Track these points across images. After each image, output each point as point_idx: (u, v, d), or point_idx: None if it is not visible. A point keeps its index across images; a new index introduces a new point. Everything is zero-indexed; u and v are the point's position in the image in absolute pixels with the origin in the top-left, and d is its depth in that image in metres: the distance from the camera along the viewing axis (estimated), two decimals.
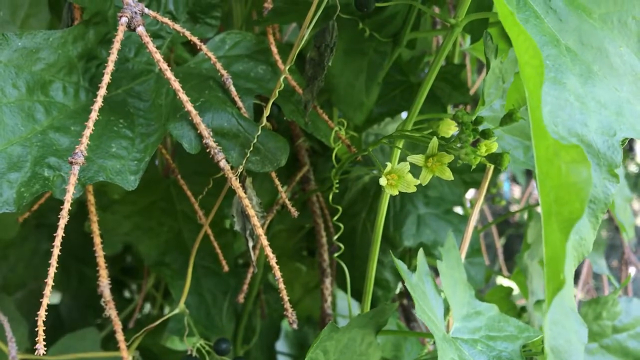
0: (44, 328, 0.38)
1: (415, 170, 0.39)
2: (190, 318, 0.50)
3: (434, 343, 0.65)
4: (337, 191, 0.50)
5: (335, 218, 0.51)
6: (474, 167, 0.32)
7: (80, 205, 1.18)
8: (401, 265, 0.40)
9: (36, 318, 0.38)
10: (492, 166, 0.56)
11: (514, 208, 2.56)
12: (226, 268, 0.57)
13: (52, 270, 0.37)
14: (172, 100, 0.47)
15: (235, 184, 0.44)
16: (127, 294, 1.19)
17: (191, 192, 0.73)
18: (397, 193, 0.39)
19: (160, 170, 0.74)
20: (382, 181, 0.35)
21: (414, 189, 0.36)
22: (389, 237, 0.64)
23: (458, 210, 0.69)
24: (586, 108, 0.32)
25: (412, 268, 0.65)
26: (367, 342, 0.46)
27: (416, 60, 0.69)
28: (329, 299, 0.59)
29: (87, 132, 0.39)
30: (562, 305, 0.27)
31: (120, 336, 0.52)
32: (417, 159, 0.34)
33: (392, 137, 0.38)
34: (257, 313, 0.79)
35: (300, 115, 0.50)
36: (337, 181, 0.50)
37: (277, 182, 0.49)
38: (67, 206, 0.38)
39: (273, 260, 0.46)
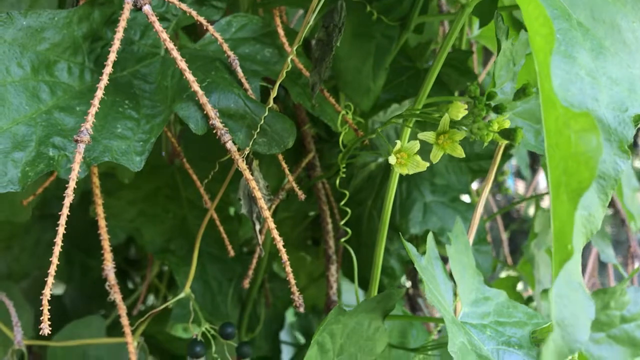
0: (49, 316, 0.37)
1: (424, 155, 0.38)
2: (195, 303, 0.50)
3: (439, 331, 0.64)
4: (344, 176, 0.49)
5: (342, 203, 0.51)
6: (486, 143, 0.31)
7: (83, 195, 1.18)
8: (411, 248, 0.39)
9: (41, 307, 0.37)
10: (500, 152, 0.55)
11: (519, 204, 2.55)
12: (232, 253, 0.57)
13: (57, 249, 0.37)
14: (178, 82, 0.46)
15: (242, 165, 0.43)
16: (130, 285, 1.19)
17: (198, 177, 0.72)
18: (406, 173, 0.38)
19: (165, 156, 0.74)
20: (392, 159, 0.34)
21: (424, 168, 0.35)
22: (395, 225, 0.63)
23: (465, 198, 0.68)
24: (597, 83, 0.31)
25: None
26: (375, 326, 0.45)
27: (423, 47, 0.68)
28: (335, 285, 0.59)
29: (93, 110, 0.38)
30: (569, 279, 0.27)
31: (125, 320, 0.51)
32: (428, 136, 0.34)
33: (403, 116, 0.38)
34: (262, 301, 0.79)
35: (307, 98, 0.49)
36: (344, 165, 0.50)
37: (284, 165, 0.48)
38: (72, 185, 0.37)
39: (280, 244, 0.45)
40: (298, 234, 0.82)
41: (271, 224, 0.45)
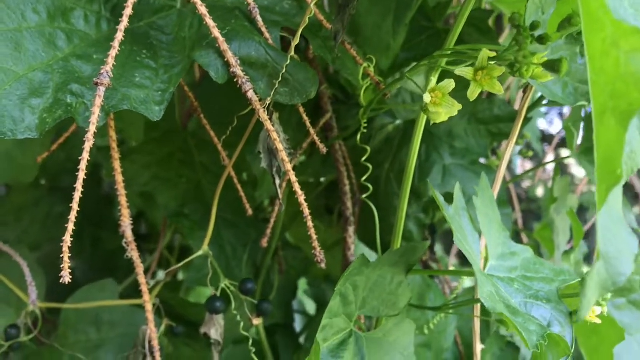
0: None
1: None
2: (214, 260, 0.49)
3: (455, 298, 0.64)
4: (364, 131, 0.48)
5: (364, 159, 0.50)
6: (526, 78, 0.30)
7: (94, 168, 1.17)
8: (439, 197, 0.38)
9: (53, 276, 0.37)
10: (524, 113, 0.54)
11: (525, 184, 2.54)
12: (250, 212, 0.56)
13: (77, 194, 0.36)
14: (196, 32, 0.45)
15: (263, 116, 0.42)
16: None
17: (211, 141, 0.71)
18: (434, 121, 0.37)
19: (178, 121, 0.73)
20: (426, 98, 0.33)
21: (457, 111, 0.34)
22: (414, 188, 0.62)
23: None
24: None
25: (437, 221, 0.64)
26: (397, 281, 0.44)
27: (442, 7, 0.67)
28: (353, 247, 0.58)
29: (113, 53, 0.37)
30: (612, 211, 0.26)
31: (142, 279, 0.51)
32: (466, 71, 0.32)
33: (434, 57, 0.36)
34: (276, 269, 0.78)
35: (328, 51, 0.48)
36: (365, 121, 0.48)
37: (305, 117, 0.47)
38: (92, 129, 0.36)
39: (302, 197, 0.44)
40: (311, 202, 0.81)
41: (292, 176, 0.44)
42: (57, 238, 1.34)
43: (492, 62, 0.32)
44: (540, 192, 2.33)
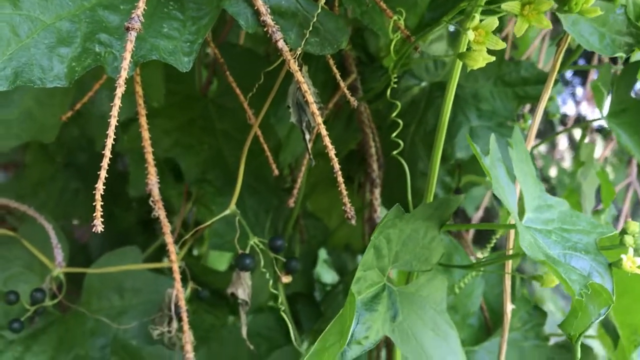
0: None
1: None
2: (241, 218, 0.48)
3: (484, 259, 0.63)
4: (395, 86, 0.47)
5: (394, 114, 0.49)
6: (575, 12, 0.29)
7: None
8: (476, 146, 0.37)
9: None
10: (557, 67, 0.53)
11: (539, 163, 2.51)
12: (276, 172, 0.55)
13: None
14: None
15: (294, 66, 0.41)
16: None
17: (232, 108, 0.71)
18: (476, 66, 0.36)
19: (198, 87, 0.72)
20: (470, 35, 0.32)
21: (503, 45, 0.33)
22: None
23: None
24: None
25: (462, 185, 0.63)
26: (431, 235, 0.43)
27: None
28: (379, 209, 0.57)
29: (142, 1, 0.36)
30: None
31: (169, 238, 0.50)
32: (513, 5, 0.31)
33: None
34: (297, 238, 0.77)
35: (357, 4, 0.47)
36: (395, 76, 0.47)
37: (334, 70, 0.46)
38: (124, 75, 0.36)
39: (332, 152, 0.44)
40: (331, 171, 0.80)
41: (323, 130, 0.43)
42: (72, 214, 1.34)
43: None
44: (553, 172, 2.31)
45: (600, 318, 0.36)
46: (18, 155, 1.30)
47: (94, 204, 0.38)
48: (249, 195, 0.67)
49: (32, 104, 0.56)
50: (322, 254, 0.88)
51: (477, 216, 0.95)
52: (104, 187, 0.38)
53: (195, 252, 1.01)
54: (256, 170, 0.68)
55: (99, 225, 0.36)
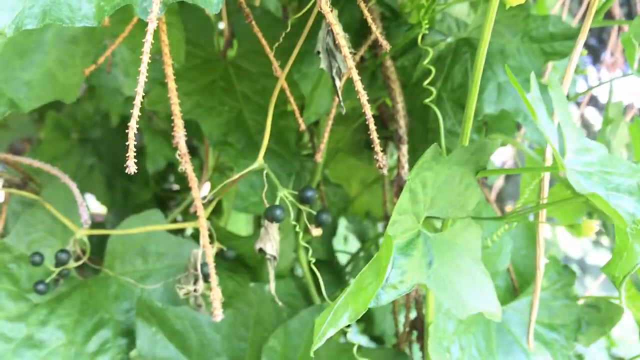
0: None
1: None
2: (269, 171, 0.47)
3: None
4: (427, 32, 0.46)
5: (426, 61, 0.47)
6: None
7: (123, 120, 1.16)
8: (514, 77, 0.36)
9: None
10: (587, 28, 0.51)
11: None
12: (303, 126, 0.54)
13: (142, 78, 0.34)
14: None
15: (325, 8, 0.40)
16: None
17: (251, 71, 0.70)
18: (515, 3, 0.35)
19: (217, 50, 0.71)
20: None
21: None
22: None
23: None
24: None
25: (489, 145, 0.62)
26: (466, 182, 0.42)
27: None
28: (407, 166, 0.56)
29: None
30: None
31: (196, 193, 0.50)
32: None
33: None
34: (318, 204, 0.77)
35: None
36: (426, 22, 0.46)
37: (366, 13, 0.45)
38: (156, 10, 0.35)
39: (364, 97, 0.42)
40: (350, 137, 0.80)
41: (355, 75, 0.42)
42: (87, 189, 1.33)
43: None
44: None
45: None
46: (33, 132, 1.30)
47: (126, 155, 0.37)
48: (271, 159, 0.66)
49: (53, 65, 0.55)
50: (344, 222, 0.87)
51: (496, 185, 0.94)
52: (121, 162, 0.37)
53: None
54: (278, 133, 0.67)
55: (132, 167, 0.35)
